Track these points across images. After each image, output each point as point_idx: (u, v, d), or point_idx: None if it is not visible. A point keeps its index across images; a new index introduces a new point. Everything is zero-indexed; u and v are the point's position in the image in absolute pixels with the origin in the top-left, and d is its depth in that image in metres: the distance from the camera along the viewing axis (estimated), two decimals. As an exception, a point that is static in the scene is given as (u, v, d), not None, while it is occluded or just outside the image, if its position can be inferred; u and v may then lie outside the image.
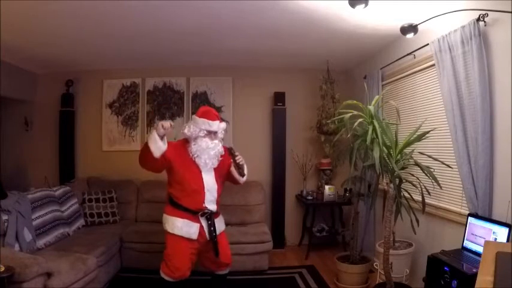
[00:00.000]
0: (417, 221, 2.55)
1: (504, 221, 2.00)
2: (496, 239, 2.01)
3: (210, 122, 2.55)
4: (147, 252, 3.49)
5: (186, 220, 2.51)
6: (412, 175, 2.65)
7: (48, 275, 2.36)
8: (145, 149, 2.36)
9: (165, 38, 3.45)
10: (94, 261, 2.82)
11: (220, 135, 2.64)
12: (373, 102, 2.67)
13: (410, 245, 2.89)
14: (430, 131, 2.52)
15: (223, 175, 2.75)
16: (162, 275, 2.52)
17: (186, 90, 4.62)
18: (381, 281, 2.77)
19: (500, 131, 2.11)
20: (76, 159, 4.61)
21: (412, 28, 2.58)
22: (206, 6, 2.65)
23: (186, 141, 2.62)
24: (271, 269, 3.68)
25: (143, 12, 2.76)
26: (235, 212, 4.03)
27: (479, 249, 2.05)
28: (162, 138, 2.36)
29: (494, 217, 2.13)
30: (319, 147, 4.55)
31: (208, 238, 2.58)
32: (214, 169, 2.63)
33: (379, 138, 2.43)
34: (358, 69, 4.34)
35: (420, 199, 2.54)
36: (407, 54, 3.07)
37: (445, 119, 2.49)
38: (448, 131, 2.45)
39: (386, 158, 2.47)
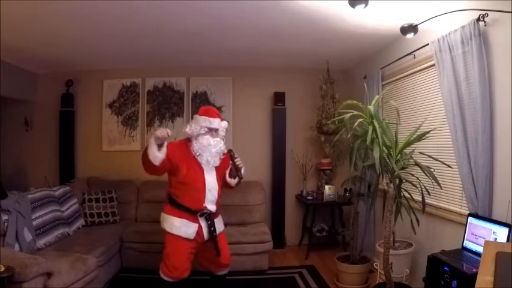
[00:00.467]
0: (417, 221, 2.55)
1: (504, 221, 2.00)
2: (496, 239, 2.01)
3: (211, 119, 2.56)
4: (147, 252, 3.49)
5: (184, 220, 2.51)
6: (412, 175, 2.65)
7: (48, 275, 2.36)
8: (146, 156, 2.35)
9: (165, 38, 3.45)
10: (94, 261, 2.82)
11: (221, 133, 2.64)
12: (373, 102, 2.67)
13: (410, 245, 2.89)
14: (430, 131, 2.52)
15: (223, 176, 2.75)
16: (161, 275, 2.52)
17: (186, 90, 4.62)
18: (381, 281, 2.77)
19: (500, 131, 2.11)
20: (76, 159, 4.61)
21: (412, 28, 2.58)
22: (207, 6, 2.65)
23: (188, 140, 2.62)
24: (271, 269, 3.68)
25: (143, 12, 2.76)
26: (235, 212, 4.03)
27: (479, 249, 2.05)
28: (160, 145, 2.35)
29: (494, 217, 2.13)
30: (319, 147, 4.55)
31: (206, 238, 2.58)
32: (216, 169, 2.64)
33: (379, 138, 2.43)
34: (358, 69, 4.34)
35: (420, 199, 2.53)
36: (407, 54, 3.07)
37: (445, 119, 2.49)
38: (448, 131, 2.45)
39: (386, 158, 2.47)
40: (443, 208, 2.68)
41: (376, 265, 2.91)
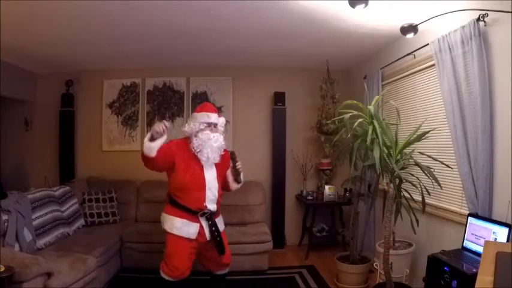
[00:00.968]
0: (417, 221, 2.55)
1: (504, 221, 2.00)
2: (496, 239, 2.01)
3: (209, 113, 2.56)
4: (147, 252, 3.49)
5: (185, 220, 2.51)
6: (412, 175, 2.64)
7: (48, 275, 2.36)
8: (143, 150, 2.37)
9: (165, 38, 3.45)
10: (94, 261, 2.82)
11: (220, 128, 2.63)
12: (373, 102, 2.67)
13: (410, 245, 2.89)
14: (430, 131, 2.52)
15: (223, 175, 2.75)
16: (162, 275, 2.52)
17: (186, 90, 4.62)
18: (381, 281, 2.77)
19: (500, 131, 2.11)
20: (76, 159, 4.61)
21: (412, 28, 2.58)
22: (206, 6, 2.65)
23: (187, 139, 2.61)
24: (271, 269, 3.68)
25: (143, 12, 2.76)
26: (235, 212, 4.03)
27: (479, 249, 2.05)
28: (154, 138, 2.33)
29: (494, 217, 2.13)
30: (319, 147, 4.55)
31: (208, 238, 2.58)
32: (216, 166, 2.63)
33: (379, 138, 2.43)
34: (358, 69, 4.34)
35: (420, 199, 2.53)
36: (407, 54, 3.08)
37: (445, 119, 2.49)
38: (448, 131, 2.45)
39: (386, 158, 2.47)
40: (443, 208, 2.68)
41: (376, 265, 2.91)
